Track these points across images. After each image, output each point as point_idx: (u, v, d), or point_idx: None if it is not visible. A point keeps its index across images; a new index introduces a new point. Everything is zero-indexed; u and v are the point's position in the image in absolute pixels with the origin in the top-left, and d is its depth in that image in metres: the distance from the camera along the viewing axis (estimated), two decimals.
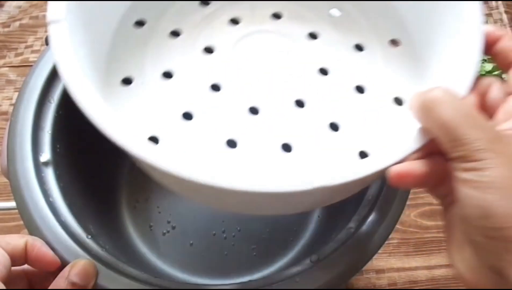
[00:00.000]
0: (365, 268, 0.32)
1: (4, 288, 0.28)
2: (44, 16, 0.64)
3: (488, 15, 0.66)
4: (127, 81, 0.34)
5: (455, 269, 0.25)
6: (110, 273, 0.32)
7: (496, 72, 0.57)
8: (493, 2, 0.67)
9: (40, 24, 0.65)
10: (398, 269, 0.52)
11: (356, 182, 0.25)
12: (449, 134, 0.24)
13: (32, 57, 0.62)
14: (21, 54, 0.62)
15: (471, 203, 0.23)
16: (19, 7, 0.66)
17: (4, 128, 0.38)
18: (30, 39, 0.63)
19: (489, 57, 0.57)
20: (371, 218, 0.36)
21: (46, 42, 0.54)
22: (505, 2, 0.67)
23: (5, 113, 0.59)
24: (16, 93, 0.48)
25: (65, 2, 0.28)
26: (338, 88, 0.34)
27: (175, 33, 0.36)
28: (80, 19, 0.32)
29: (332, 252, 0.33)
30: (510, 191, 0.22)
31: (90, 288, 0.30)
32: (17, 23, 0.65)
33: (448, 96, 0.25)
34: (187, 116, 0.33)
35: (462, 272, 0.25)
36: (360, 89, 0.34)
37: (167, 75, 0.34)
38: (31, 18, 0.65)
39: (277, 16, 0.37)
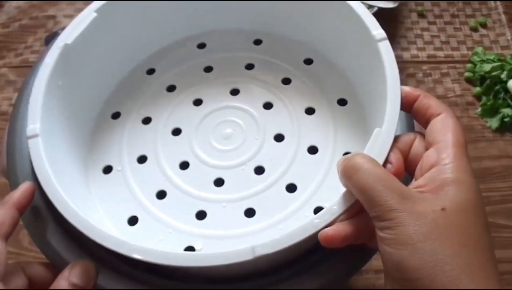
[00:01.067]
0: (364, 268, 0.32)
1: (4, 288, 0.28)
2: (44, 17, 0.65)
3: (487, 15, 0.67)
4: (107, 170, 0.39)
5: None
6: (110, 273, 0.31)
7: (494, 73, 0.59)
8: (492, 2, 0.68)
9: (40, 24, 0.64)
10: None
11: (291, 247, 0.28)
12: (365, 197, 0.27)
13: (31, 57, 0.62)
14: (21, 54, 0.62)
15: (388, 258, 0.26)
16: (19, 7, 0.66)
17: (4, 129, 0.38)
18: (30, 40, 0.63)
19: (489, 57, 0.59)
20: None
21: (46, 43, 0.55)
22: (503, 2, 0.68)
23: (5, 113, 0.58)
24: (16, 94, 0.45)
25: (40, 117, 0.33)
26: (293, 152, 0.38)
27: (147, 120, 0.41)
28: (63, 116, 0.37)
29: (332, 252, 0.33)
30: (418, 247, 0.25)
31: (90, 288, 0.30)
32: (16, 24, 0.65)
33: (366, 162, 0.28)
34: (161, 194, 0.38)
35: None
36: (313, 150, 0.38)
37: (142, 159, 0.39)
38: (30, 18, 0.65)
39: (235, 92, 0.41)
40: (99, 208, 0.37)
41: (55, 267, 0.32)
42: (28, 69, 0.39)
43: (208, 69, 0.43)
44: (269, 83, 0.41)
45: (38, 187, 0.31)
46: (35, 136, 0.33)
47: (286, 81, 0.41)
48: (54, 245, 0.32)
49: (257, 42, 0.44)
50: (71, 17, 0.65)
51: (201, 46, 0.44)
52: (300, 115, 0.40)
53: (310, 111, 0.40)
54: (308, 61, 0.42)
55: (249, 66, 0.43)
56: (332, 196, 0.35)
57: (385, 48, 0.34)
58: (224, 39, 0.44)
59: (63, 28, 0.40)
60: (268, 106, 0.40)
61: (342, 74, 0.41)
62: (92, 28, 0.37)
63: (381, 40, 0.34)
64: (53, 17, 0.65)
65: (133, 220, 0.37)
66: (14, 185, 0.34)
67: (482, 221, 0.26)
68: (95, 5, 0.38)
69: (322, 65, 0.42)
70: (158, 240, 0.35)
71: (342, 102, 0.40)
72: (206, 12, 0.43)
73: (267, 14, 0.43)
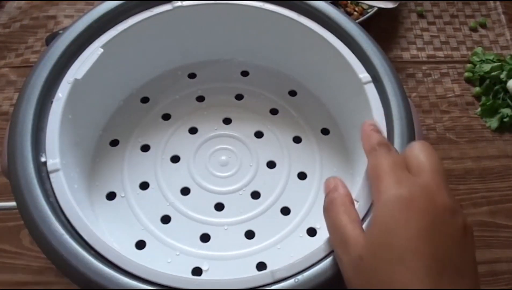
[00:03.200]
0: None
1: None
2: (44, 17, 0.65)
3: (486, 16, 0.67)
4: (111, 196, 0.41)
5: None
6: (111, 272, 0.31)
7: (494, 73, 0.60)
8: (491, 2, 0.68)
9: (40, 25, 0.65)
10: None
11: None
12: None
13: (32, 57, 0.62)
14: (22, 54, 0.62)
15: None
16: (20, 8, 0.66)
17: (5, 129, 0.38)
18: (31, 40, 0.63)
19: (488, 57, 0.63)
20: (371, 217, 0.36)
21: (47, 43, 0.57)
22: (503, 2, 0.67)
23: (6, 113, 0.58)
24: (17, 94, 0.47)
25: (59, 151, 0.35)
26: (285, 178, 0.42)
27: (146, 147, 0.43)
28: (71, 147, 0.38)
29: (333, 252, 0.34)
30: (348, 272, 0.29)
31: None
32: (17, 24, 0.65)
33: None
34: (166, 219, 0.40)
35: None
36: (302, 176, 0.43)
37: (144, 185, 0.42)
38: (31, 19, 0.65)
39: (227, 120, 0.45)
40: (106, 234, 0.39)
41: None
42: (29, 69, 0.39)
43: (200, 98, 0.46)
44: (259, 113, 0.45)
45: (65, 219, 0.33)
46: (57, 170, 0.34)
47: (274, 111, 0.46)
48: (56, 245, 0.32)
49: (244, 73, 0.48)
50: (71, 17, 0.65)
51: (192, 76, 0.47)
52: (289, 143, 0.44)
53: (297, 139, 0.44)
54: (293, 93, 0.47)
55: (239, 97, 0.46)
56: (323, 218, 0.40)
57: (371, 91, 0.39)
58: (213, 70, 0.47)
59: (63, 28, 0.41)
60: (259, 134, 0.44)
61: (323, 106, 0.46)
62: (97, 62, 0.39)
63: (367, 82, 0.39)
64: (54, 17, 0.65)
65: (140, 244, 0.39)
66: (15, 185, 0.34)
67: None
68: (100, 41, 0.40)
69: (305, 97, 0.46)
70: (167, 263, 0.38)
71: (325, 131, 0.45)
72: (196, 44, 0.46)
73: (254, 47, 0.47)
